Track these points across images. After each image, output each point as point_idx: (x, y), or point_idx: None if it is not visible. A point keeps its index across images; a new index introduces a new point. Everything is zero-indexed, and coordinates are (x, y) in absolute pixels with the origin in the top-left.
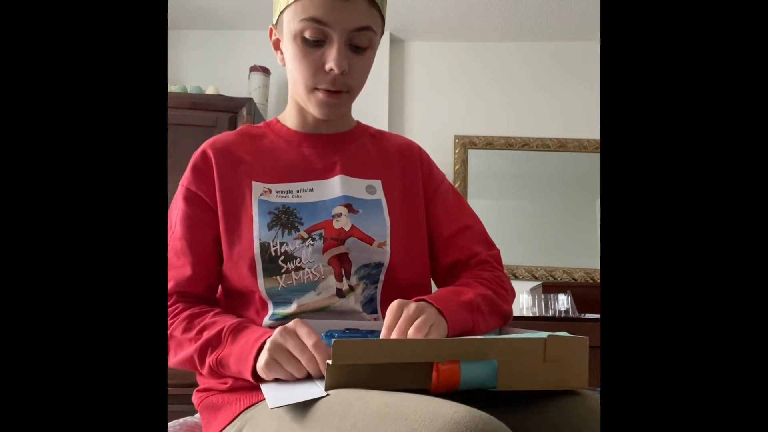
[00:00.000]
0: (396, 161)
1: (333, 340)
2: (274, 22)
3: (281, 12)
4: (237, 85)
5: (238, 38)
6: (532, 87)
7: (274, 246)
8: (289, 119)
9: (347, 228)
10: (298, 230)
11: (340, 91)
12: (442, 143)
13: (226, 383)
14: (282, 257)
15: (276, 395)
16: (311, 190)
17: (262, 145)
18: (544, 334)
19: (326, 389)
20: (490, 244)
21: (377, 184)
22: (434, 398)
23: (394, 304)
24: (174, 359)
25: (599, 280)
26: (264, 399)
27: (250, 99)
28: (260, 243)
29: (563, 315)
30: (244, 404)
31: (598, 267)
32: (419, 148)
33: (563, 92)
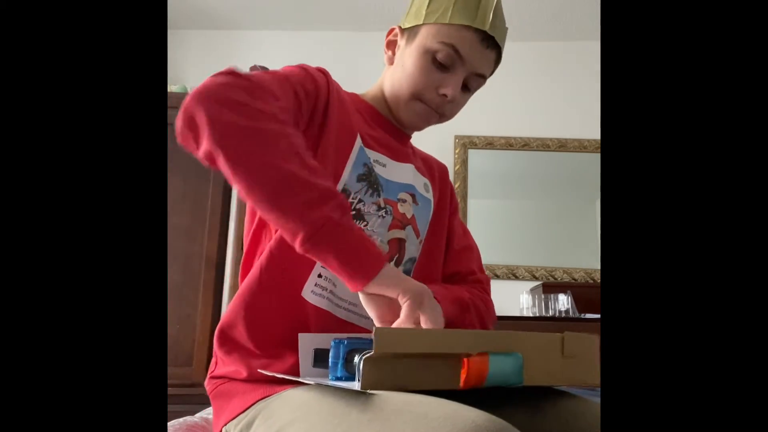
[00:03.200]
0: (436, 172)
1: (374, 327)
2: (405, 26)
3: (422, 24)
4: None
5: (238, 38)
6: (532, 87)
7: (353, 198)
8: (371, 100)
9: (409, 215)
10: (380, 195)
11: (437, 111)
12: (442, 143)
13: (241, 373)
14: (354, 212)
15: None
16: (384, 165)
17: (348, 105)
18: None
19: (362, 387)
20: (483, 270)
21: (429, 185)
22: (452, 401)
23: None
24: (264, 153)
25: (599, 280)
26: (280, 391)
27: None
28: (343, 188)
29: (563, 315)
30: (260, 395)
31: (598, 267)
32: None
33: (563, 92)
